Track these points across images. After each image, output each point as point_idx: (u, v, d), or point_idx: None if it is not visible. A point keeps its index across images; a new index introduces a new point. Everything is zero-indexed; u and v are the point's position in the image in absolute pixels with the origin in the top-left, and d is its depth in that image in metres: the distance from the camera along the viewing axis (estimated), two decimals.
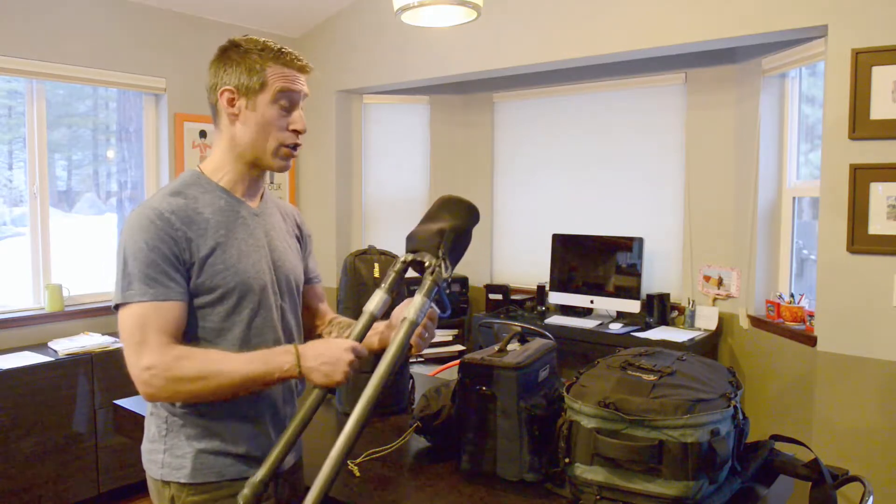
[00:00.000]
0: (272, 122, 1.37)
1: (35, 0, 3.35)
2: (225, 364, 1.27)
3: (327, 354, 1.29)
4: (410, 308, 1.34)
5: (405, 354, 1.34)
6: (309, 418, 1.30)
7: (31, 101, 3.46)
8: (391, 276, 1.40)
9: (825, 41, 2.73)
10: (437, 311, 1.43)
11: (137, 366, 1.25)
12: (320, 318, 1.67)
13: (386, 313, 1.45)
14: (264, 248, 1.43)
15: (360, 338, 1.36)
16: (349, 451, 1.22)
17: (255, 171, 1.43)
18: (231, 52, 1.39)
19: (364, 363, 1.36)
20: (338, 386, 1.30)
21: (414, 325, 1.33)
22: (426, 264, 1.38)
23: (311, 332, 1.65)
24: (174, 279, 1.28)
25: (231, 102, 1.37)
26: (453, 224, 1.42)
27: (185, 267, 1.30)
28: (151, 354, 1.24)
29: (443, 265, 1.37)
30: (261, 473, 1.26)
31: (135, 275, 1.27)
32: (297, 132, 1.41)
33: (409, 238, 1.44)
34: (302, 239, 1.62)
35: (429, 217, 1.47)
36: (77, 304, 3.58)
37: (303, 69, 1.41)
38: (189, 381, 1.25)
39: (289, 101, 1.39)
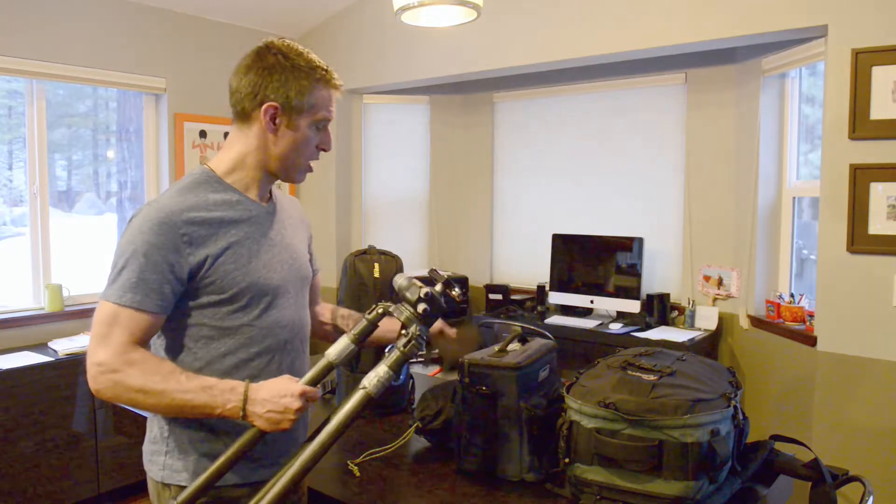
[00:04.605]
0: (307, 143, 1.41)
1: (35, 0, 3.36)
2: (170, 385, 1.24)
3: (275, 402, 1.24)
4: (372, 377, 1.26)
5: (355, 420, 1.26)
6: (241, 453, 1.26)
7: (31, 101, 3.46)
8: (362, 324, 1.33)
9: (825, 41, 2.73)
10: (395, 380, 1.31)
11: (91, 358, 1.25)
12: (315, 312, 1.66)
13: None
14: (278, 245, 1.42)
15: (314, 382, 1.31)
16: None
17: (272, 177, 1.44)
18: (276, 63, 1.35)
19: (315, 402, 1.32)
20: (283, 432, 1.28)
21: (370, 396, 1.26)
22: (401, 330, 1.30)
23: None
24: (158, 290, 1.26)
25: (273, 119, 1.36)
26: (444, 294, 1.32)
27: (182, 274, 1.28)
28: (106, 351, 1.23)
29: (418, 332, 1.28)
30: (182, 497, 1.23)
31: (121, 275, 1.26)
32: (321, 150, 1.45)
33: (397, 283, 1.34)
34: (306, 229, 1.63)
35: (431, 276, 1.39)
36: (77, 304, 3.58)
37: (339, 89, 1.45)
38: (129, 391, 1.24)
39: (324, 124, 1.43)
